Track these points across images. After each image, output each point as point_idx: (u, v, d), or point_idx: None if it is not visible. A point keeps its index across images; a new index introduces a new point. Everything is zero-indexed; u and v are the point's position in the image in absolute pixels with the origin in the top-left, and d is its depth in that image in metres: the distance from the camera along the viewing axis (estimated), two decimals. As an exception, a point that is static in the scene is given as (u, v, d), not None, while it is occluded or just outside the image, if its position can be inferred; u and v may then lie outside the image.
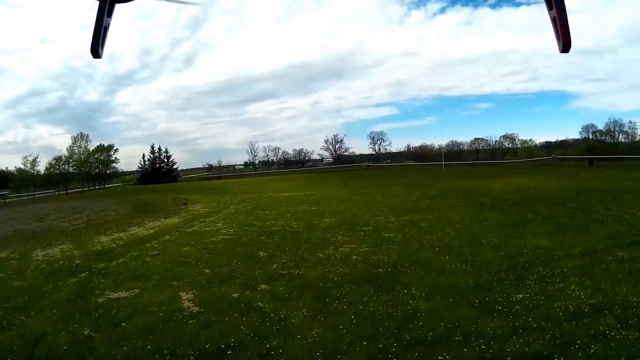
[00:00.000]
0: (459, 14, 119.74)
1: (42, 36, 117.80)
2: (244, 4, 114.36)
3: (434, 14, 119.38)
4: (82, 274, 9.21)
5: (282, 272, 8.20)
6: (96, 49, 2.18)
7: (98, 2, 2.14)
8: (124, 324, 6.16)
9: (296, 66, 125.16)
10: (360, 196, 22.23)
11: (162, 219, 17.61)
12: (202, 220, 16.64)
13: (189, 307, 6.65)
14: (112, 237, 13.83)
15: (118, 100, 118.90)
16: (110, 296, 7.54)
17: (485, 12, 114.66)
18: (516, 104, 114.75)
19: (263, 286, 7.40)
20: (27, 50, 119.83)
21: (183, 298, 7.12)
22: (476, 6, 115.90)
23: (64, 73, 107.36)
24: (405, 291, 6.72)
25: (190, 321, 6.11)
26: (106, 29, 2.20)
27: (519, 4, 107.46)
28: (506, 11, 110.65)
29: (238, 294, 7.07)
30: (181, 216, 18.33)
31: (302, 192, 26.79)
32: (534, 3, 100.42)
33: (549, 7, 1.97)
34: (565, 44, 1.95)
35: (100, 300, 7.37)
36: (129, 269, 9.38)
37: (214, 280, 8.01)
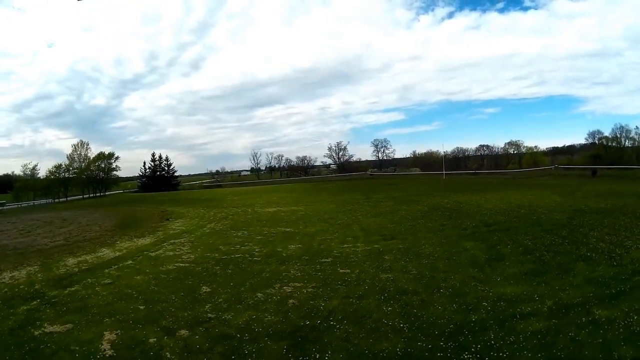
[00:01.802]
0: (467, 18, 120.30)
1: (49, 40, 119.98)
2: (250, 8, 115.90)
3: (442, 19, 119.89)
4: (34, 302, 9.53)
5: (210, 315, 8.04)
6: None
7: None
8: None
9: (304, 70, 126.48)
10: (343, 214, 21.95)
11: (135, 239, 17.76)
12: (172, 241, 16.67)
13: (104, 350, 6.75)
14: (79, 259, 14.06)
15: (125, 105, 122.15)
16: (46, 330, 7.81)
17: (493, 16, 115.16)
18: (523, 109, 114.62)
19: (183, 332, 7.29)
20: (34, 53, 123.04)
21: (105, 338, 7.20)
22: (484, 10, 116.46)
23: (71, 77, 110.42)
24: (318, 355, 6.23)
25: (99, 365, 6.16)
26: None
27: (526, 8, 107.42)
28: (513, 15, 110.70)
29: (155, 340, 7.01)
30: (155, 235, 18.45)
31: (288, 208, 26.68)
32: (541, 7, 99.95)
33: None
34: None
35: (36, 333, 7.68)
36: (75, 299, 9.56)
37: (143, 319, 7.99)
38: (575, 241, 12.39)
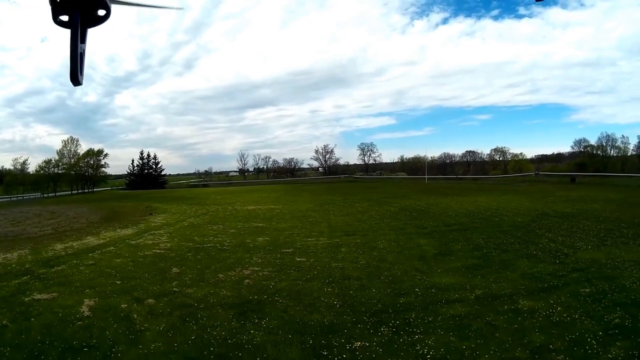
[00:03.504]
0: (462, 24, 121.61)
1: (43, 35, 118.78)
2: (246, 9, 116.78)
3: (437, 24, 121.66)
4: (24, 277, 10.82)
5: (175, 289, 9.41)
6: (75, 76, 2.17)
7: (70, 29, 2.14)
8: (32, 319, 7.78)
9: (297, 73, 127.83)
10: (316, 213, 23.43)
11: (118, 230, 19.09)
12: (152, 232, 18.03)
13: (83, 312, 8.08)
14: (66, 245, 15.35)
15: (117, 103, 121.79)
16: (35, 297, 9.11)
17: (487, 23, 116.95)
18: (515, 116, 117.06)
19: (150, 301, 8.65)
20: (27, 48, 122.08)
21: (84, 304, 8.52)
22: (479, 17, 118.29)
23: (63, 73, 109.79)
24: (257, 320, 7.41)
25: (78, 322, 7.56)
26: (82, 55, 2.21)
27: (521, 16, 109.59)
28: (508, 23, 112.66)
29: (126, 305, 8.37)
30: (137, 227, 19.78)
31: (266, 206, 28.14)
32: (536, 16, 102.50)
33: None
34: None
35: (26, 299, 8.97)
36: (61, 276, 10.87)
37: (118, 291, 9.35)
38: (527, 241, 13.20)
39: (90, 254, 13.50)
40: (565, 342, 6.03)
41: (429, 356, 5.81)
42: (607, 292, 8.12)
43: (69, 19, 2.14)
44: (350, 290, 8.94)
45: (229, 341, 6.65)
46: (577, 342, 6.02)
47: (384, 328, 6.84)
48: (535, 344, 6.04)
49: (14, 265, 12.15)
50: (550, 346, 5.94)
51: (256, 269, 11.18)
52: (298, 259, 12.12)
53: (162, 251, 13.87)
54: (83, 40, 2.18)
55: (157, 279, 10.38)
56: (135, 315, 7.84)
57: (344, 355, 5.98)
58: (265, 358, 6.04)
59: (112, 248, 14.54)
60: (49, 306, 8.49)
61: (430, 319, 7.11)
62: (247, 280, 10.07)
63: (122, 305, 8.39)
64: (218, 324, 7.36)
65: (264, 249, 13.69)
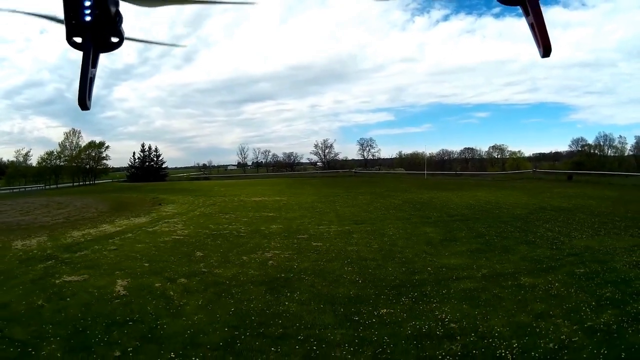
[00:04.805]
0: (463, 21, 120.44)
1: (42, 26, 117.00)
2: (246, 3, 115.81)
3: (437, 21, 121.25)
4: (49, 262, 11.04)
5: (204, 270, 9.86)
6: (84, 101, 2.12)
7: (82, 52, 2.11)
8: (68, 299, 8.06)
9: (297, 68, 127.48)
10: (322, 204, 23.87)
11: (132, 218, 19.40)
12: (166, 220, 18.37)
13: (118, 291, 8.42)
14: (83, 232, 15.61)
15: (115, 95, 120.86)
16: (65, 279, 9.37)
17: (488, 20, 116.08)
18: (514, 115, 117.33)
19: (182, 280, 9.08)
20: (26, 40, 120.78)
21: (118, 284, 8.86)
22: (480, 15, 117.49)
23: (62, 65, 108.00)
24: (289, 294, 7.98)
25: (115, 300, 7.91)
26: (92, 79, 2.16)
27: (522, 15, 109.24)
28: (509, 21, 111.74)
29: (160, 284, 8.78)
30: (150, 216, 20.10)
31: (272, 198, 28.52)
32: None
33: (526, 14, 1.97)
34: (545, 49, 1.93)
35: (57, 281, 9.22)
36: (87, 260, 11.16)
37: (147, 272, 9.74)
38: (526, 230, 13.90)
39: (110, 240, 13.81)
40: (563, 310, 6.84)
41: (447, 319, 6.57)
42: (600, 272, 8.89)
43: (82, 42, 2.12)
44: (369, 269, 9.67)
45: (267, 311, 7.16)
46: (573, 310, 6.83)
47: (404, 298, 7.59)
48: (537, 311, 6.83)
49: (35, 251, 12.35)
50: (550, 312, 6.74)
51: (277, 252, 11.69)
52: (314, 244, 12.66)
53: (181, 237, 14.25)
54: (94, 65, 2.16)
55: (184, 261, 10.79)
56: (171, 293, 8.27)
57: (373, 320, 6.64)
58: (303, 323, 6.60)
59: (130, 235, 14.87)
60: (82, 287, 8.78)
61: (444, 291, 7.91)
62: (270, 262, 10.58)
63: (156, 285, 8.80)
64: (253, 298, 7.87)
65: (280, 235, 14.17)
